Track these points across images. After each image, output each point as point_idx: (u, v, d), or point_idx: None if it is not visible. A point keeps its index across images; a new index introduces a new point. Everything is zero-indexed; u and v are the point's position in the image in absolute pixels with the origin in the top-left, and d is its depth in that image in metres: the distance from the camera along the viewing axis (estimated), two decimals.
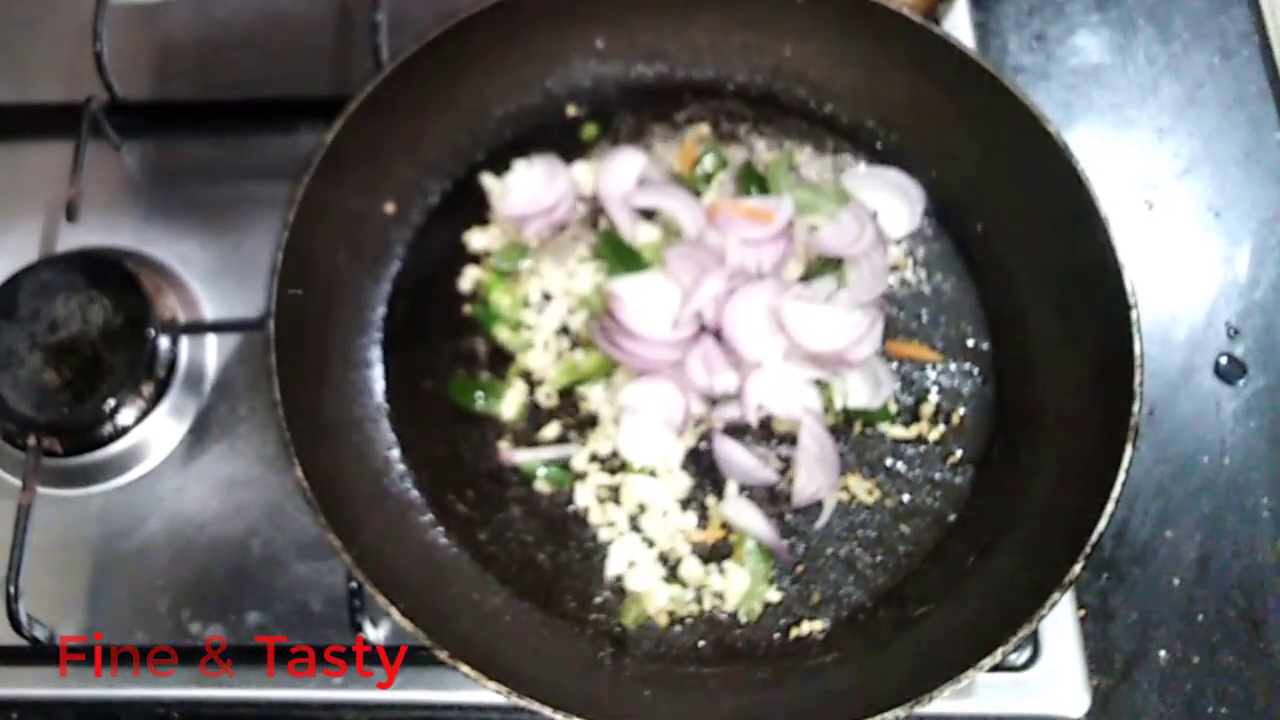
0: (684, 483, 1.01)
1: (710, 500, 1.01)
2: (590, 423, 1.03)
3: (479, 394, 1.03)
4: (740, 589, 0.97)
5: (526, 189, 1.09)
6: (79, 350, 1.03)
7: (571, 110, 1.13)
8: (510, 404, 1.03)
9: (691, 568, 0.99)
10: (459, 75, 1.07)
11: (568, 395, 1.04)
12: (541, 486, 1.01)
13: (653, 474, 1.01)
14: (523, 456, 1.01)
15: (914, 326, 1.06)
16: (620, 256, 1.06)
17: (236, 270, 1.12)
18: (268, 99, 1.18)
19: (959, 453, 1.02)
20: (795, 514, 1.00)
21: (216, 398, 1.08)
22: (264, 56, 1.21)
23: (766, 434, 1.02)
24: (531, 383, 1.04)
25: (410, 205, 1.09)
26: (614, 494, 1.01)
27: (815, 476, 1.00)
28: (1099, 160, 1.09)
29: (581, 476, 1.01)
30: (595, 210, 1.10)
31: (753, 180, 1.10)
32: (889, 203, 1.09)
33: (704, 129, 1.13)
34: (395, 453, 1.01)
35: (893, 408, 1.03)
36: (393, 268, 1.07)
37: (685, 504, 1.01)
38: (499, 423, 1.03)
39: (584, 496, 1.01)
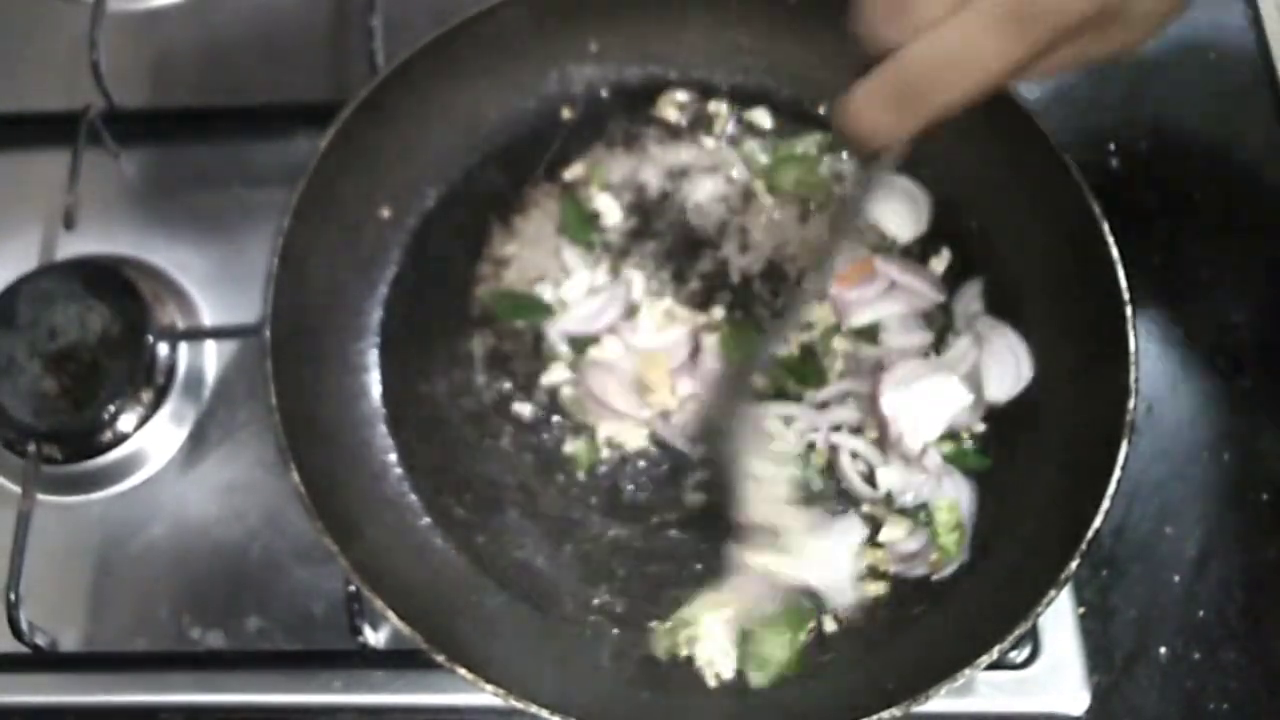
0: None
1: None
2: None
3: None
4: None
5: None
6: (78, 357, 1.03)
7: (566, 113, 1.13)
8: None
9: None
10: (454, 80, 1.07)
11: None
12: None
13: None
14: None
15: None
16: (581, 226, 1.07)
17: (234, 276, 1.12)
18: (264, 105, 1.19)
19: None
20: None
21: (215, 403, 1.08)
22: (260, 62, 1.21)
23: None
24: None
25: (406, 209, 1.09)
26: None
27: None
28: None
29: None
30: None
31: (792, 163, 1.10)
32: (895, 208, 1.08)
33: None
34: (392, 456, 1.01)
35: None
36: (389, 271, 1.07)
37: None
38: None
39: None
